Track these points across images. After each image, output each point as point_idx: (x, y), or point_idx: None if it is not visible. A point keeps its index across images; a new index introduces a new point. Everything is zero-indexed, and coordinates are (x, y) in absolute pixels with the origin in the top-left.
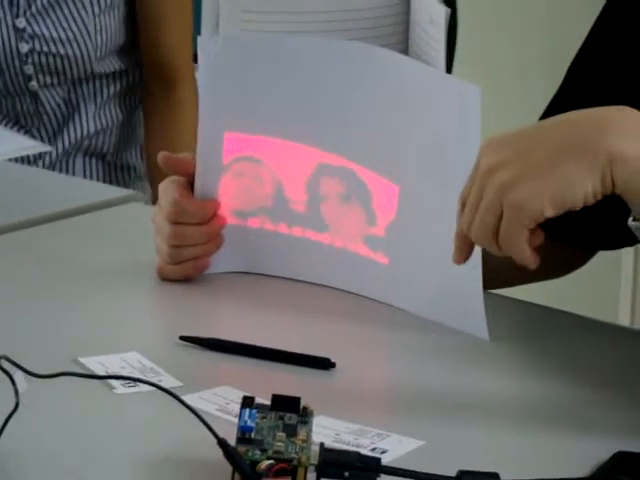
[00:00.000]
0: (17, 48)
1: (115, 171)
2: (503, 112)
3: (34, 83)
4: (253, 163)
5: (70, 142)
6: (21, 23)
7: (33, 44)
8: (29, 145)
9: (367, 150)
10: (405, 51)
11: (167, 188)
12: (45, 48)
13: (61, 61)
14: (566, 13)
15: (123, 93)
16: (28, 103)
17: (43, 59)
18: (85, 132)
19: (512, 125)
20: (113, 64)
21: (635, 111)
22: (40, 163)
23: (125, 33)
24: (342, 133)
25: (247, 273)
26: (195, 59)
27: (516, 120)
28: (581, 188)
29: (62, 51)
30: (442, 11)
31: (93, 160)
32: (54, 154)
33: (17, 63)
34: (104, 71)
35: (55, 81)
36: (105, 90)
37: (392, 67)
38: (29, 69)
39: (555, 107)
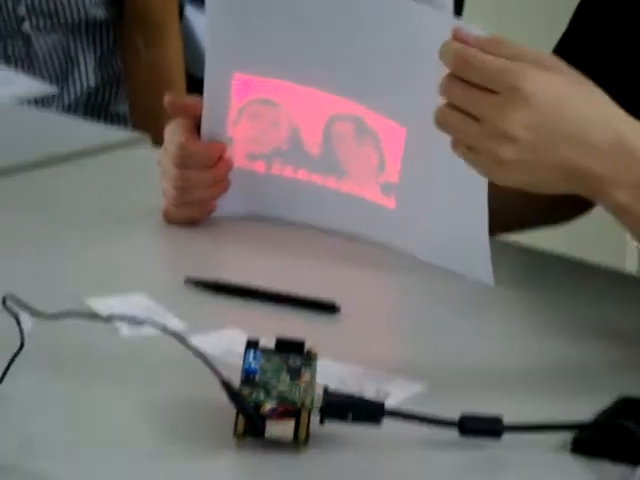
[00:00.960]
0: None
1: (118, 122)
2: None
3: (26, 25)
4: (270, 106)
5: (70, 96)
6: None
7: None
8: (37, 87)
9: (374, 92)
10: None
11: (173, 131)
12: None
13: (54, 3)
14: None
15: (117, 48)
16: (20, 46)
17: (36, 0)
18: (85, 86)
19: None
20: (107, 11)
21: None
22: None
23: None
24: (350, 74)
25: (253, 217)
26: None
27: None
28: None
29: None
30: None
31: (96, 112)
32: (60, 106)
33: (10, 4)
34: (98, 18)
35: (48, 25)
36: (103, 42)
37: (400, 7)
38: (22, 10)
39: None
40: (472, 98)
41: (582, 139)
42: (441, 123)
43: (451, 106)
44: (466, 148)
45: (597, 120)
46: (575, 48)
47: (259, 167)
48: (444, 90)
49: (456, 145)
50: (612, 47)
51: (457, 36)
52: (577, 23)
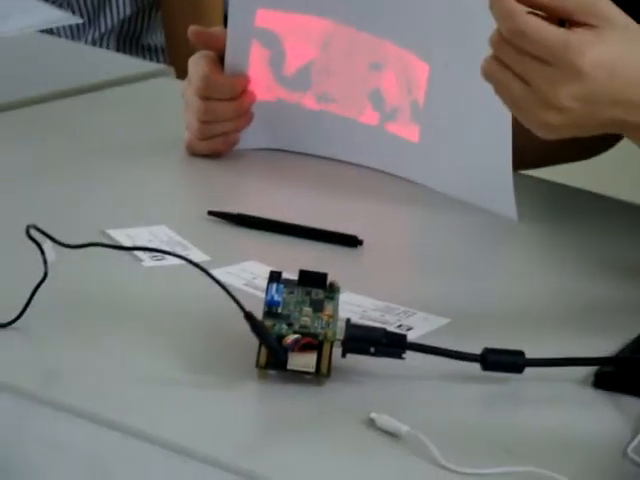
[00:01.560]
0: None
1: (150, 54)
2: None
3: None
4: (285, 46)
5: (106, 27)
6: None
7: None
8: (59, 16)
9: (399, 27)
10: None
11: (197, 63)
12: None
13: None
14: None
15: None
16: None
17: None
18: (117, 18)
19: None
20: None
21: None
22: None
23: None
24: (374, 10)
25: (277, 150)
26: None
27: None
28: None
29: None
30: None
31: (127, 44)
32: (90, 38)
33: None
34: None
35: None
36: None
37: None
38: None
39: None
40: (525, 64)
41: (629, 101)
42: (488, 76)
43: (500, 62)
44: (511, 102)
45: None
46: None
47: (281, 99)
48: (495, 46)
49: (501, 97)
50: None
51: None
52: None
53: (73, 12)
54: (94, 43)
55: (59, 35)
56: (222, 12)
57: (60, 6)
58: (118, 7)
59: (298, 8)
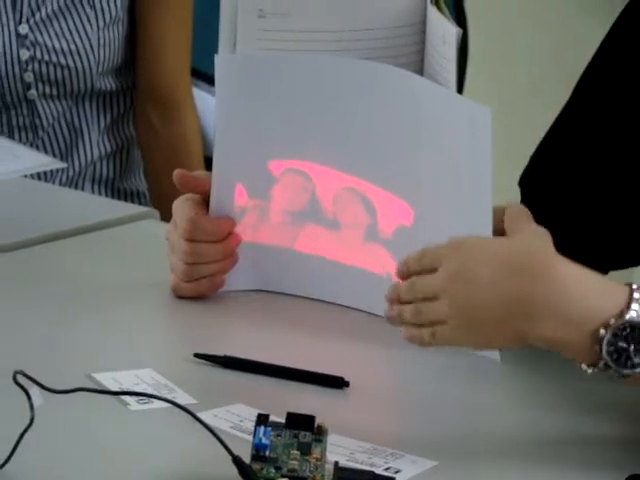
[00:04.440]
0: (18, 54)
1: (125, 198)
2: (514, 124)
3: (33, 92)
4: (271, 186)
5: (75, 169)
6: (24, 30)
7: (34, 52)
8: (44, 161)
9: (383, 172)
10: (420, 71)
11: (182, 205)
12: (46, 57)
13: (62, 71)
14: (579, 26)
15: (124, 117)
16: (24, 115)
17: (44, 68)
18: (90, 158)
19: (522, 138)
20: (114, 82)
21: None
22: None
23: (127, 50)
24: (358, 154)
25: (262, 291)
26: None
27: (527, 132)
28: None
29: (63, 62)
30: (453, 31)
31: (102, 187)
32: (64, 178)
33: (17, 70)
34: (104, 88)
35: (55, 92)
36: (108, 112)
37: (405, 86)
38: (29, 77)
39: (563, 121)
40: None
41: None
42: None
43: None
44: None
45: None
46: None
47: (266, 241)
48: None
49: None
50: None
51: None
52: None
53: (45, 151)
54: (67, 185)
55: (31, 177)
56: (202, 156)
57: (31, 145)
58: (85, 151)
59: (280, 156)
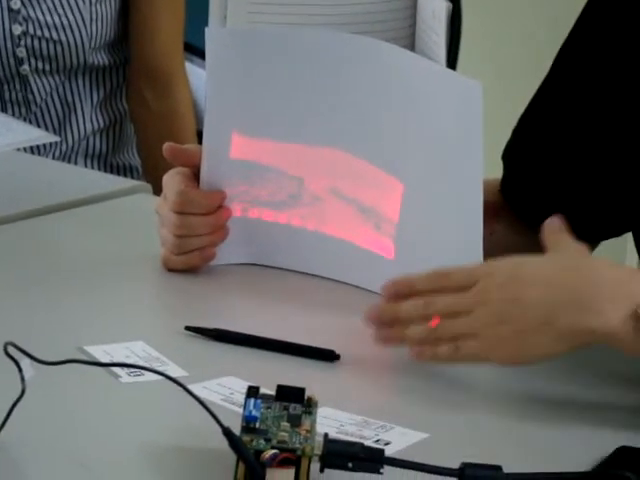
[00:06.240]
0: (10, 29)
1: (118, 172)
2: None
3: (25, 67)
4: (261, 170)
5: (68, 144)
6: (15, 4)
7: (27, 27)
8: (37, 135)
9: (373, 146)
10: (411, 46)
11: (172, 178)
12: (39, 32)
13: (54, 47)
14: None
15: (117, 91)
16: (17, 90)
17: (36, 43)
18: (83, 133)
19: (514, 118)
20: (106, 57)
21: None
22: None
23: (119, 25)
24: (348, 129)
25: (253, 265)
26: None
27: (517, 112)
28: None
29: (56, 37)
30: (443, 5)
31: (95, 161)
32: (57, 153)
33: (9, 45)
34: (97, 63)
35: (47, 67)
36: (101, 87)
37: (395, 62)
38: (21, 52)
39: (543, 94)
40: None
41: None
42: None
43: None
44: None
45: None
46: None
47: (258, 215)
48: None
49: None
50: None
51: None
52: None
53: (38, 126)
54: (60, 159)
55: (25, 151)
56: (195, 131)
57: (24, 120)
58: (79, 125)
59: (273, 134)
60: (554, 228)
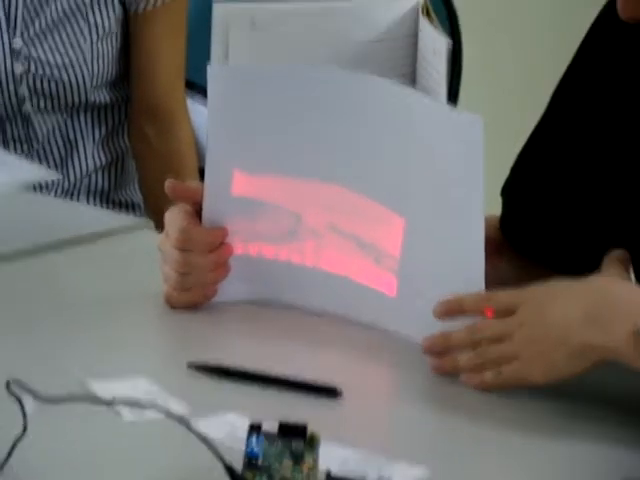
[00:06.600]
0: (12, 69)
1: (120, 209)
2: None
3: (27, 105)
4: (262, 207)
5: (70, 181)
6: (17, 44)
7: (28, 66)
8: (39, 173)
9: (373, 182)
10: (412, 82)
11: (174, 216)
12: (40, 71)
13: (56, 85)
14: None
15: (119, 129)
16: (19, 128)
17: (38, 82)
18: (85, 170)
19: (514, 153)
20: (108, 95)
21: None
22: None
23: (121, 63)
24: (348, 165)
25: (254, 301)
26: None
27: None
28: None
29: (57, 75)
30: (443, 42)
31: (97, 198)
32: (59, 190)
33: (11, 84)
34: (99, 101)
35: (49, 106)
36: (102, 125)
37: (396, 98)
38: (23, 90)
39: (542, 130)
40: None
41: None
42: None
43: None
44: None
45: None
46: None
47: (257, 251)
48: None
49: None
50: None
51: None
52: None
53: (40, 163)
54: (63, 196)
55: (26, 189)
56: (197, 168)
57: (26, 157)
58: (80, 163)
59: (274, 170)
60: (615, 254)
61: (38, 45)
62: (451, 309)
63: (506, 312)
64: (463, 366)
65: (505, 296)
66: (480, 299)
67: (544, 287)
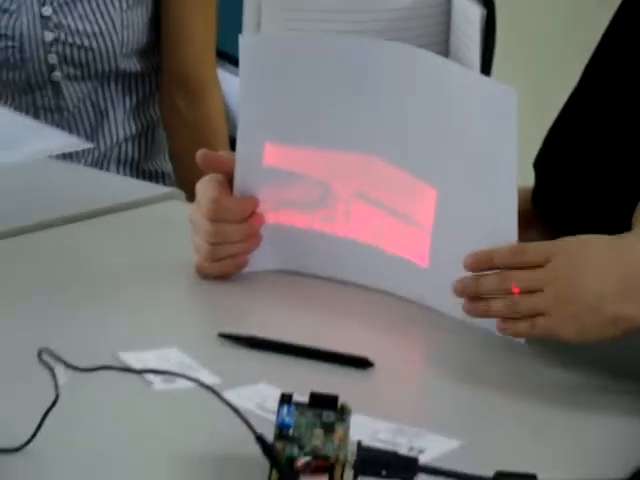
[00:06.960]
0: (42, 36)
1: (150, 179)
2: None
3: (57, 73)
4: (300, 176)
5: (100, 150)
6: (47, 11)
7: (58, 34)
8: (70, 142)
9: (405, 153)
10: (445, 52)
11: (205, 186)
12: (70, 39)
13: (85, 54)
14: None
15: (149, 98)
16: (50, 96)
17: (67, 50)
18: (115, 139)
19: (547, 124)
20: (138, 64)
21: None
22: None
23: (151, 32)
24: (381, 136)
25: (285, 271)
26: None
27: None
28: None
29: (87, 44)
30: (477, 11)
31: (127, 168)
32: (89, 159)
33: (41, 52)
34: (129, 70)
35: (79, 73)
36: (133, 94)
37: (429, 68)
38: (53, 58)
39: (574, 103)
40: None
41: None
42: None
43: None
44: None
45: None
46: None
47: (289, 221)
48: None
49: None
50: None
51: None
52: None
53: (71, 132)
54: (93, 166)
55: (57, 158)
56: (227, 138)
57: (57, 126)
58: (111, 132)
59: (305, 141)
60: None
61: (68, 13)
62: (481, 261)
63: (538, 264)
64: (495, 313)
65: (537, 248)
66: (511, 252)
67: (577, 241)
